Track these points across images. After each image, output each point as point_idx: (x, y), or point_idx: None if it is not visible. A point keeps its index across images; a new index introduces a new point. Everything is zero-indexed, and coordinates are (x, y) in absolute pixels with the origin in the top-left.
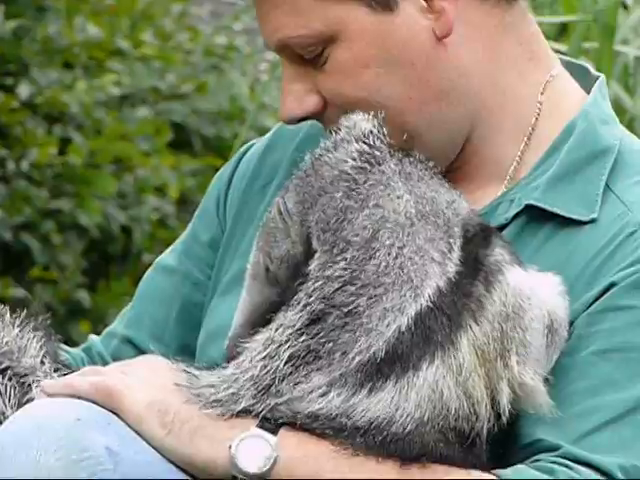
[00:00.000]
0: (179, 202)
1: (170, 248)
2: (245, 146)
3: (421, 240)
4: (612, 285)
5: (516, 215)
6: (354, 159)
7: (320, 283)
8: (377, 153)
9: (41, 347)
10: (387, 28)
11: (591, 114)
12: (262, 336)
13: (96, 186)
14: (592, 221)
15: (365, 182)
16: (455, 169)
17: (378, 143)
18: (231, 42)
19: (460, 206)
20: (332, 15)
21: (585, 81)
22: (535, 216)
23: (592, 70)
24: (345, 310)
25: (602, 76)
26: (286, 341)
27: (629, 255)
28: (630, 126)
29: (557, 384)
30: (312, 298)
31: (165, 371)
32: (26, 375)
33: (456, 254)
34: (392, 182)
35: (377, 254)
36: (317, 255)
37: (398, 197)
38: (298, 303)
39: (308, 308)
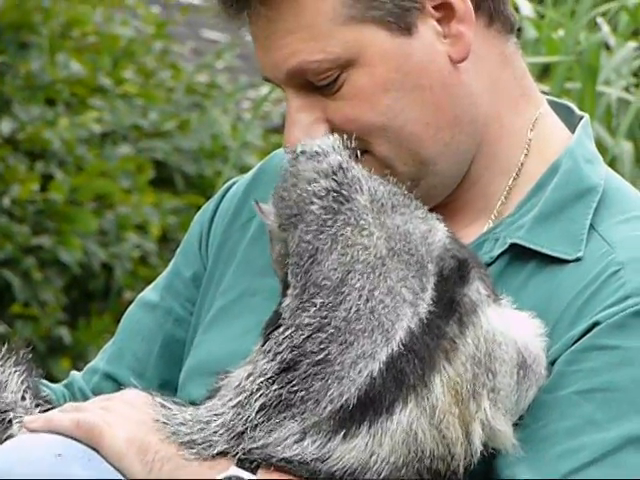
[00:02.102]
0: (160, 240)
1: (153, 284)
2: (228, 183)
3: (392, 280)
4: (595, 324)
5: (501, 254)
6: (321, 198)
7: (290, 331)
8: (345, 191)
9: (22, 382)
10: (406, 52)
11: (576, 153)
12: (234, 379)
13: (77, 223)
14: (577, 260)
15: (334, 223)
16: (443, 205)
17: (349, 176)
18: (213, 80)
19: (436, 238)
20: (351, 39)
21: (569, 120)
22: (519, 254)
23: (576, 110)
24: (316, 358)
25: (586, 116)
26: (257, 389)
27: (612, 294)
28: (611, 166)
29: (538, 422)
30: (282, 347)
31: (145, 406)
32: (6, 411)
33: (429, 293)
34: (362, 219)
35: (347, 298)
36: (290, 292)
37: (368, 235)
38: (269, 351)
39: (279, 357)
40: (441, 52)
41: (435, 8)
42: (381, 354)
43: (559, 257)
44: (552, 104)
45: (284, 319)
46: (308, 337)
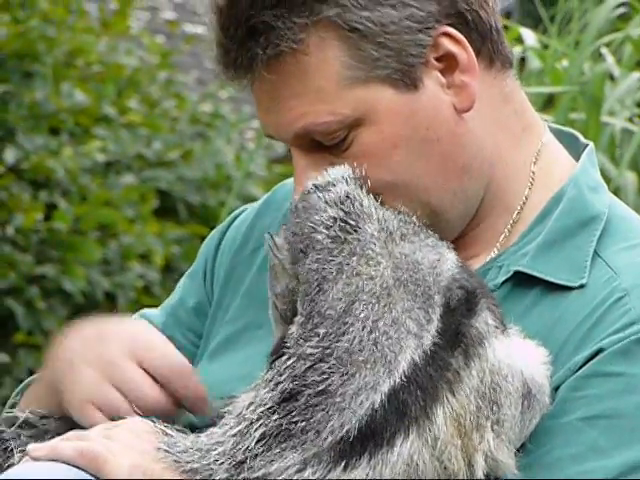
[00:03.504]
0: (164, 269)
1: (159, 309)
2: (235, 212)
3: (397, 311)
4: (600, 351)
5: (505, 281)
6: (328, 228)
7: (292, 361)
8: (352, 220)
9: (23, 411)
10: (413, 107)
11: (580, 182)
12: (237, 406)
13: (81, 252)
14: (581, 287)
15: (340, 253)
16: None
17: (356, 205)
18: (217, 110)
19: (445, 267)
20: (358, 99)
21: (574, 148)
22: (523, 281)
23: (581, 137)
24: (317, 389)
25: (591, 144)
26: (258, 419)
27: (617, 321)
28: (615, 196)
29: (542, 448)
30: (284, 376)
31: (147, 434)
32: (8, 440)
33: (435, 325)
34: (369, 249)
35: (351, 329)
36: (296, 319)
37: (375, 265)
38: (270, 380)
39: (280, 387)
40: (446, 103)
41: (438, 59)
42: (383, 386)
43: (563, 284)
44: (556, 132)
45: (288, 348)
46: (310, 367)
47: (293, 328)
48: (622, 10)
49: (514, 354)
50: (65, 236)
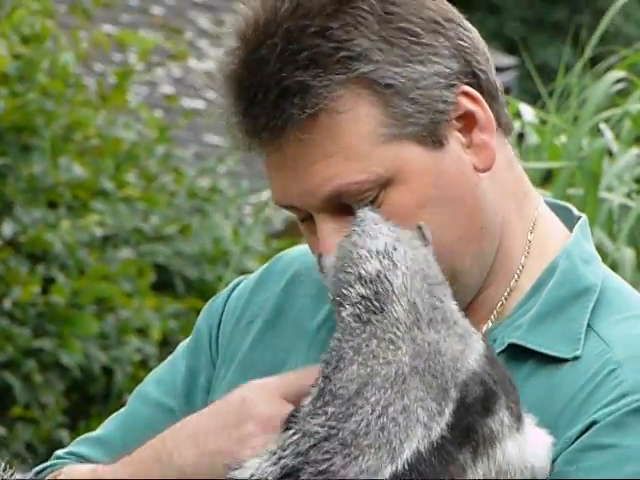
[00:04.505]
0: (161, 344)
1: (154, 379)
2: (235, 281)
3: (409, 399)
4: (593, 423)
5: (499, 353)
6: (353, 305)
7: (297, 437)
8: (378, 302)
9: None
10: (440, 166)
11: (572, 254)
12: (244, 472)
13: (78, 326)
14: (575, 358)
15: (362, 333)
16: None
17: (386, 284)
18: (215, 184)
19: (468, 360)
20: (390, 157)
21: (569, 221)
22: (518, 353)
23: (575, 210)
24: (319, 468)
25: (584, 216)
26: None
27: (609, 393)
28: (613, 271)
29: None
30: (287, 452)
31: None
32: None
33: (446, 418)
34: (391, 333)
35: (360, 411)
36: (312, 391)
37: (394, 350)
38: (274, 454)
39: (282, 462)
40: (467, 163)
41: (457, 118)
42: (385, 472)
43: (557, 356)
44: (551, 205)
45: (295, 422)
46: (314, 445)
47: (306, 401)
48: (621, 86)
49: (526, 450)
50: (62, 310)
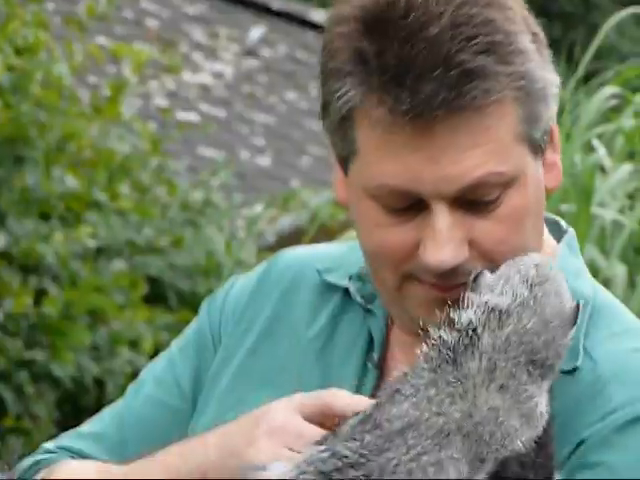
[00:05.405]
0: (153, 356)
1: (153, 378)
2: (230, 281)
3: (445, 455)
4: (581, 442)
5: None
6: (434, 347)
7: (325, 455)
8: (457, 354)
9: None
10: (539, 176)
11: (564, 267)
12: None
13: (70, 338)
14: (574, 369)
15: (426, 376)
16: None
17: (473, 339)
18: (208, 197)
19: (517, 442)
20: (520, 156)
21: (557, 235)
22: None
23: (563, 224)
24: None
25: (571, 230)
26: None
27: (596, 411)
28: (605, 288)
29: None
30: (310, 468)
31: None
32: None
33: None
34: (453, 386)
35: (394, 449)
36: (360, 413)
37: (450, 403)
38: (297, 466)
39: (301, 477)
40: (542, 179)
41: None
42: None
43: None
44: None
45: (327, 440)
46: (338, 469)
47: (350, 421)
48: (614, 102)
49: None
50: (55, 321)
